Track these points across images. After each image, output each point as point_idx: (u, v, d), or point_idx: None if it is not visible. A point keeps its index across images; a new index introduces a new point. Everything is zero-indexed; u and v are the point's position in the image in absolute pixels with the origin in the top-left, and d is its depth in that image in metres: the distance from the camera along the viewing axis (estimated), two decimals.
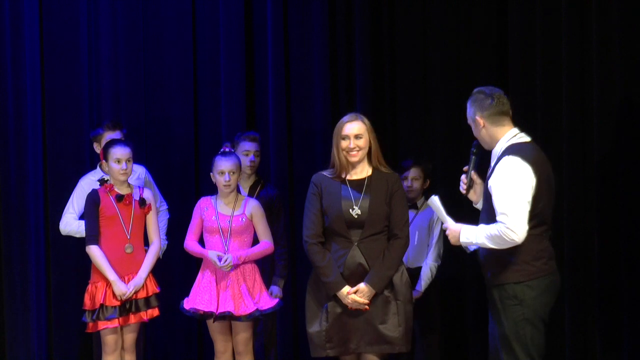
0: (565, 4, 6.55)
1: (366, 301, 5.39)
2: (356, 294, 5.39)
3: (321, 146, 7.22)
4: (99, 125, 6.59)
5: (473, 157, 5.14)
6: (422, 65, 7.12)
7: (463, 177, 5.18)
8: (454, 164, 6.89)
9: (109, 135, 6.44)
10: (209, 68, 7.31)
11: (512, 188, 4.85)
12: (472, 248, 5.14)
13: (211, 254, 5.94)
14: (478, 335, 6.89)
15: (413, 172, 6.44)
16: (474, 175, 5.15)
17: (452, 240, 5.08)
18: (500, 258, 4.95)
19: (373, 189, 5.45)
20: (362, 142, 5.45)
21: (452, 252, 6.49)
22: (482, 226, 4.98)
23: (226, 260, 5.90)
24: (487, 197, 5.00)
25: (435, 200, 5.12)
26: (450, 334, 6.88)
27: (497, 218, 4.87)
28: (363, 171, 5.53)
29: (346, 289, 5.41)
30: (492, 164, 5.05)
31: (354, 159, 5.47)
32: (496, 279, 5.00)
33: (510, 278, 4.95)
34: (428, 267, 6.35)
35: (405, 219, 5.43)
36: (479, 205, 5.19)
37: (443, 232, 6.27)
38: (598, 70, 6.46)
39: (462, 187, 5.19)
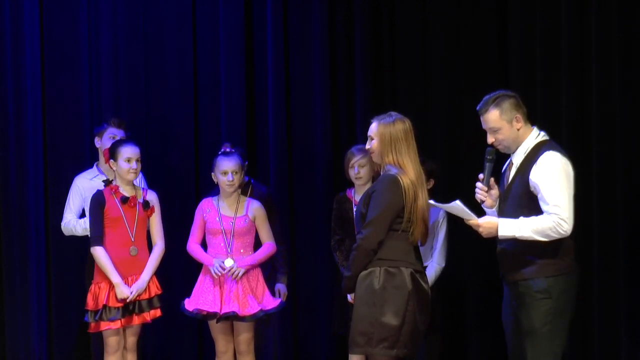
0: (565, 4, 6.56)
1: (349, 298, 5.37)
2: None
3: (321, 146, 7.22)
4: (104, 121, 6.59)
5: (488, 163, 5.16)
6: (422, 65, 7.12)
7: (480, 185, 5.17)
8: (454, 164, 6.91)
9: (111, 131, 6.43)
10: (209, 68, 7.31)
11: (563, 181, 4.96)
12: None
13: (215, 262, 5.94)
14: (479, 335, 6.91)
15: None
16: (491, 182, 5.18)
17: (486, 233, 5.06)
18: (533, 253, 5.01)
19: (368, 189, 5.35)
20: (373, 145, 5.28)
21: (453, 253, 6.51)
22: (523, 219, 4.99)
23: (234, 273, 5.91)
24: (522, 192, 5.04)
25: (459, 203, 5.08)
26: (451, 334, 6.88)
27: (549, 210, 4.93)
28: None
29: None
30: (518, 161, 5.11)
31: (373, 159, 5.40)
32: (525, 273, 5.05)
33: (542, 272, 5.02)
34: (434, 269, 6.33)
35: (368, 222, 5.14)
36: (493, 210, 5.22)
37: (448, 233, 6.33)
38: (598, 69, 6.47)
39: (480, 195, 5.18)
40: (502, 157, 5.25)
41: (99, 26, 7.25)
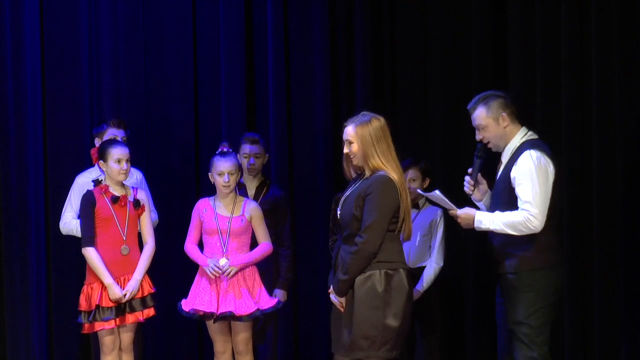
0: (565, 4, 6.55)
1: (336, 302, 5.26)
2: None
3: (322, 146, 7.22)
4: (103, 121, 6.58)
5: (477, 159, 5.40)
6: (422, 66, 7.12)
7: (467, 178, 5.42)
8: (454, 164, 6.90)
9: (111, 131, 6.42)
10: (209, 68, 7.31)
11: (537, 179, 5.13)
12: None
13: (210, 262, 5.94)
14: (478, 335, 6.91)
15: (410, 174, 6.41)
16: (479, 177, 5.42)
17: (464, 224, 5.30)
18: (517, 247, 5.20)
19: (354, 190, 5.27)
20: (354, 148, 5.23)
21: (452, 252, 6.51)
22: (498, 213, 5.20)
23: (228, 272, 5.91)
24: (504, 188, 5.25)
25: (438, 193, 5.33)
26: (450, 334, 6.88)
27: (521, 206, 5.13)
28: (367, 173, 5.31)
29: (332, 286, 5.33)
30: (505, 159, 5.31)
31: (353, 162, 5.33)
32: (511, 267, 5.23)
33: (525, 266, 5.19)
34: (432, 269, 6.35)
35: (368, 225, 5.09)
36: (482, 203, 5.45)
37: (446, 233, 6.36)
38: (598, 70, 6.47)
39: (467, 188, 5.43)
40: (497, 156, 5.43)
41: (99, 26, 7.26)
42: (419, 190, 5.57)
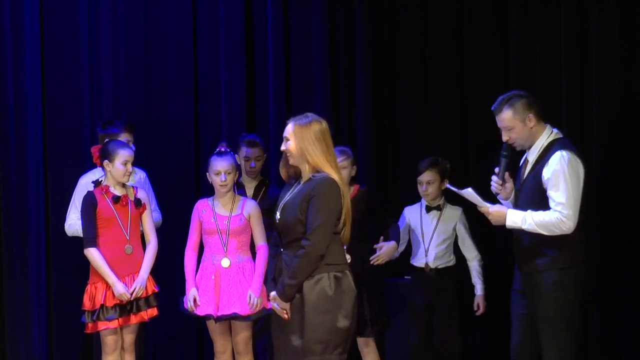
0: (565, 4, 6.56)
1: (279, 308, 5.11)
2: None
3: None
4: (111, 123, 6.51)
5: (504, 159, 5.44)
6: (422, 65, 7.12)
7: (495, 178, 5.47)
8: (454, 161, 6.90)
9: (124, 136, 6.39)
10: (210, 68, 7.31)
11: (570, 180, 5.20)
12: None
13: (190, 295, 5.98)
14: (477, 336, 6.91)
15: (426, 176, 6.31)
16: (506, 175, 5.48)
17: (495, 221, 5.35)
18: (548, 245, 5.27)
19: (295, 194, 5.12)
20: (289, 146, 5.09)
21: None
22: (531, 212, 5.25)
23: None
24: (535, 188, 5.30)
25: (470, 190, 5.37)
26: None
27: (554, 207, 5.19)
28: (305, 176, 5.12)
29: (272, 293, 5.18)
30: (533, 158, 5.36)
31: (290, 161, 5.17)
32: (541, 265, 5.29)
33: (556, 264, 5.27)
34: (479, 265, 6.45)
35: (315, 228, 4.94)
36: (508, 202, 5.50)
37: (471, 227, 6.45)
38: (598, 70, 6.48)
39: (495, 187, 5.49)
40: (519, 152, 5.50)
41: (100, 26, 7.26)
42: (449, 186, 5.53)
